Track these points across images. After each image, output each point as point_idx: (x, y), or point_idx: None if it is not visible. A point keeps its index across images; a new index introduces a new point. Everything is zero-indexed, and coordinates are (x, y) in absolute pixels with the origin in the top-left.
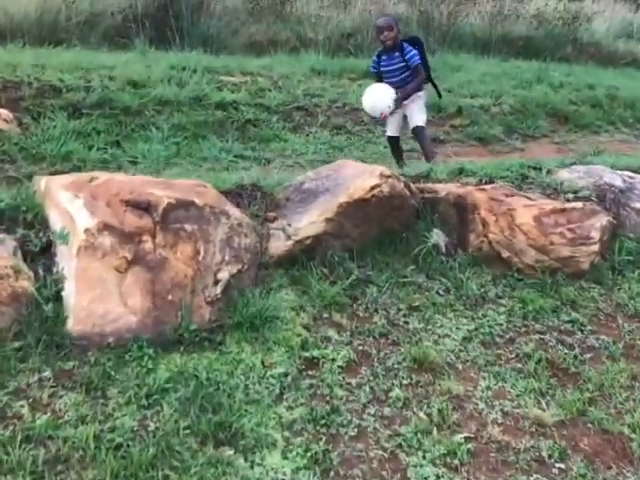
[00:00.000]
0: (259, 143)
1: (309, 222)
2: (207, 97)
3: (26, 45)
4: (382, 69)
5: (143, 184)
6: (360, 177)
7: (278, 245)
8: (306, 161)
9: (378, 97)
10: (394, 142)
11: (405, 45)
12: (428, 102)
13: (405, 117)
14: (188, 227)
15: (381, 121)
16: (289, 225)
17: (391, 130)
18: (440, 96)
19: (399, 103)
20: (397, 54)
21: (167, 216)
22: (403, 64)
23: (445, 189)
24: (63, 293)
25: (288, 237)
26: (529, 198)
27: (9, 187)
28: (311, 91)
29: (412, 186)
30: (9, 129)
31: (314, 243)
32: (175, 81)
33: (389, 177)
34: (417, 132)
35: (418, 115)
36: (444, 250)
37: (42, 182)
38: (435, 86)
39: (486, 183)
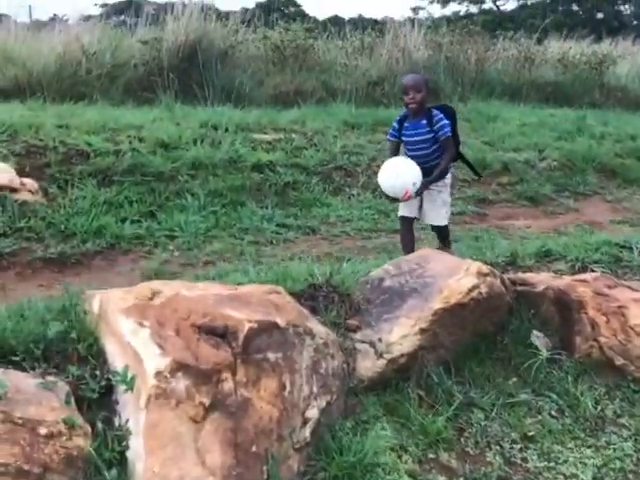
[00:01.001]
0: (300, 209)
1: (401, 335)
2: (242, 158)
3: (46, 101)
4: (404, 138)
5: (216, 303)
6: (453, 275)
7: (367, 365)
8: (354, 230)
9: (401, 172)
10: (408, 225)
11: (435, 112)
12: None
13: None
14: (271, 356)
15: (404, 201)
16: (379, 340)
17: (406, 209)
18: (479, 175)
19: (426, 187)
20: (424, 122)
21: (249, 345)
22: (431, 135)
23: (541, 282)
24: (128, 453)
25: (379, 355)
26: (632, 289)
27: (48, 290)
28: (348, 148)
29: (506, 280)
30: (35, 201)
31: (409, 361)
32: (208, 141)
33: (487, 275)
34: (437, 229)
35: (438, 210)
36: (547, 356)
37: (95, 302)
38: (469, 164)
39: (580, 270)
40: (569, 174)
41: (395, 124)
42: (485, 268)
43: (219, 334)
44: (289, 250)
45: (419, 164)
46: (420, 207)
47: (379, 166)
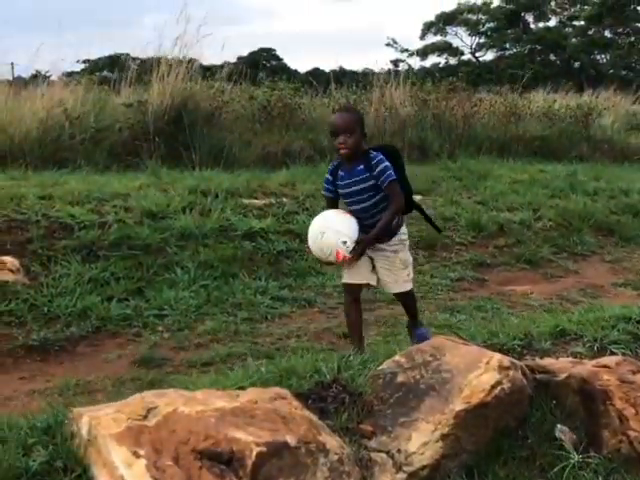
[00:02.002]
0: (295, 279)
1: (422, 443)
2: (233, 227)
3: (28, 168)
4: (340, 191)
5: (217, 421)
6: (472, 370)
7: None
8: None
9: (328, 229)
10: (353, 296)
11: (373, 154)
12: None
13: (372, 263)
14: None
15: (343, 265)
16: (398, 451)
17: (350, 274)
18: (440, 231)
19: (368, 245)
20: (361, 167)
21: (257, 473)
22: (371, 183)
23: (561, 369)
24: None
25: (398, 467)
26: None
27: (30, 382)
28: None
29: (527, 370)
30: (15, 281)
31: (431, 473)
32: (197, 209)
33: (509, 368)
34: (401, 299)
35: (397, 274)
36: (578, 459)
37: (83, 423)
38: (427, 217)
39: (598, 351)
40: (566, 234)
41: (328, 175)
42: (506, 361)
43: (224, 461)
44: (286, 327)
45: (362, 220)
46: (372, 271)
47: None
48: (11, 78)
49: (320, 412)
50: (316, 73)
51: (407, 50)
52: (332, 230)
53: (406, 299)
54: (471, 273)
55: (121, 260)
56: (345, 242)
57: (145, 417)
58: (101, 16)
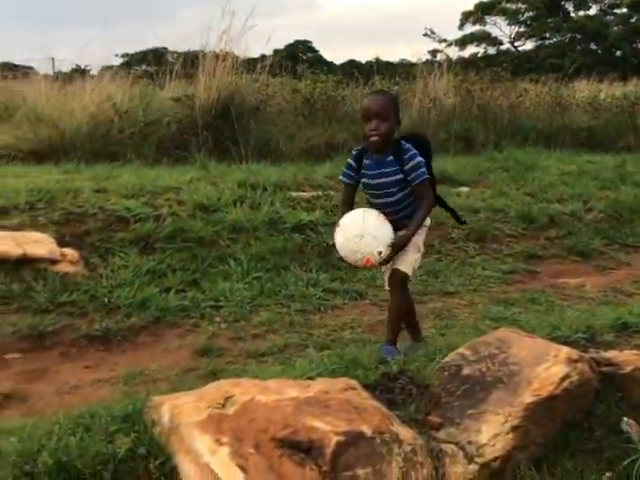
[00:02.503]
0: (345, 272)
1: (492, 435)
2: (283, 219)
3: (80, 162)
4: (364, 180)
5: (295, 410)
6: (541, 363)
7: (458, 471)
8: None
9: (368, 234)
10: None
11: (405, 146)
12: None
13: None
14: (361, 472)
15: (362, 268)
16: (469, 443)
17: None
18: (462, 222)
19: (396, 252)
20: (391, 159)
21: (337, 461)
22: (400, 177)
23: (626, 361)
24: None
25: (470, 459)
26: None
27: (95, 372)
28: None
29: (593, 363)
30: (76, 272)
31: (502, 464)
32: (247, 203)
33: (577, 361)
34: (395, 276)
35: (406, 254)
36: None
37: (164, 412)
38: (451, 210)
39: None
40: (616, 226)
41: (351, 161)
42: (575, 354)
43: (303, 449)
44: (339, 318)
45: (388, 216)
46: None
47: None
48: (52, 73)
49: (388, 403)
50: (352, 65)
51: (445, 40)
52: (371, 236)
53: (398, 281)
54: (523, 265)
55: (176, 252)
56: (380, 252)
57: (223, 405)
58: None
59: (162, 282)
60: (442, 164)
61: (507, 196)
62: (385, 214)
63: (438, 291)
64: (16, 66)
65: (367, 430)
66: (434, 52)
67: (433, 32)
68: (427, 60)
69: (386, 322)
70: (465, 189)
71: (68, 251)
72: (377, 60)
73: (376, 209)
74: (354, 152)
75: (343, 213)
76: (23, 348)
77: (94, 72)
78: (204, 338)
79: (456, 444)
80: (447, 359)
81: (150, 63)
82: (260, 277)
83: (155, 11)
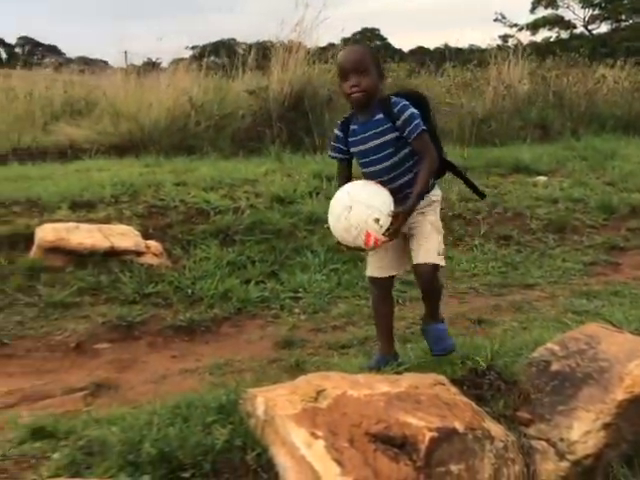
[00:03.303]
0: None
1: (583, 432)
2: None
3: (160, 155)
4: (353, 149)
5: (387, 405)
6: (632, 360)
7: (549, 468)
8: (482, 285)
9: (359, 203)
10: (382, 290)
11: (394, 100)
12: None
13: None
14: (454, 468)
15: (371, 250)
16: (561, 440)
17: (377, 266)
18: (482, 196)
19: (404, 220)
20: (380, 117)
21: (431, 457)
22: (393, 135)
23: None
24: None
25: (561, 456)
26: None
27: (181, 361)
28: (465, 194)
29: None
30: (160, 264)
31: (594, 462)
32: (323, 194)
33: None
34: (423, 275)
35: (426, 239)
36: None
37: (259, 404)
38: (467, 181)
39: None
40: None
41: (337, 131)
42: None
43: (397, 445)
44: (417, 311)
45: (382, 185)
46: (400, 259)
47: (500, 213)
48: (124, 66)
49: (476, 399)
50: (421, 51)
51: (516, 25)
52: (361, 205)
53: (430, 280)
54: (604, 257)
55: (255, 244)
56: (378, 220)
57: (316, 399)
58: (205, 2)
59: (242, 274)
60: (518, 152)
61: (586, 185)
62: (382, 184)
63: (518, 283)
64: (91, 60)
65: (459, 426)
66: (505, 37)
67: (504, 17)
68: (498, 45)
69: (427, 304)
70: (543, 178)
71: (152, 243)
72: (446, 47)
73: (371, 180)
74: (339, 122)
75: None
76: (112, 338)
77: (164, 65)
78: (285, 329)
79: (547, 441)
80: (535, 354)
81: (220, 55)
82: (337, 269)
83: (221, 2)
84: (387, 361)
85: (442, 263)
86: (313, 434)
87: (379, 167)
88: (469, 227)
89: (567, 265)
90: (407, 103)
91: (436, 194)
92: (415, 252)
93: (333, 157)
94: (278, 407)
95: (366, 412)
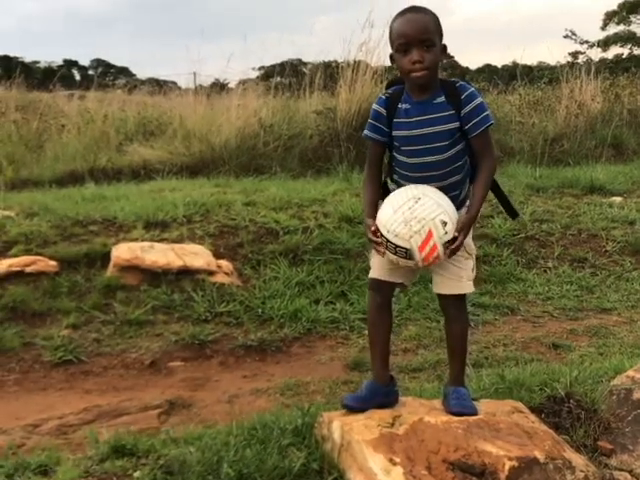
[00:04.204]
0: (495, 286)
1: None
2: None
3: (230, 175)
4: (399, 133)
5: (465, 432)
6: None
7: None
8: (556, 309)
9: (429, 197)
10: (383, 295)
11: (461, 85)
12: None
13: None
14: None
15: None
16: None
17: (387, 269)
18: (516, 215)
19: (463, 238)
20: (441, 100)
21: None
22: (454, 125)
23: None
24: None
25: None
26: None
27: (252, 381)
28: (538, 215)
29: None
30: (230, 283)
31: None
32: None
33: None
34: (452, 305)
35: (462, 269)
36: None
37: (335, 429)
38: (502, 197)
39: None
40: None
41: (379, 107)
42: None
43: (476, 473)
44: (490, 335)
45: (428, 183)
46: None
47: (574, 235)
48: (193, 87)
49: (555, 427)
50: (488, 69)
51: (587, 42)
52: (432, 199)
53: (460, 315)
54: None
55: (324, 264)
56: (445, 223)
57: (392, 425)
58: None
59: (311, 294)
60: (592, 172)
61: None
62: (429, 179)
63: (594, 308)
64: (161, 81)
65: (540, 455)
66: (575, 54)
67: (574, 33)
68: (568, 62)
69: (449, 355)
70: (618, 199)
71: (223, 262)
72: (515, 64)
73: (412, 176)
74: (382, 97)
75: (371, 177)
76: (185, 356)
77: (232, 85)
78: (355, 351)
79: (629, 472)
80: (616, 382)
81: (286, 75)
82: (408, 290)
83: (287, 22)
84: (377, 393)
85: (472, 288)
86: (391, 460)
87: (430, 159)
88: (543, 249)
89: None
90: (475, 89)
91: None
92: (443, 278)
93: (369, 137)
94: (354, 432)
95: (444, 439)
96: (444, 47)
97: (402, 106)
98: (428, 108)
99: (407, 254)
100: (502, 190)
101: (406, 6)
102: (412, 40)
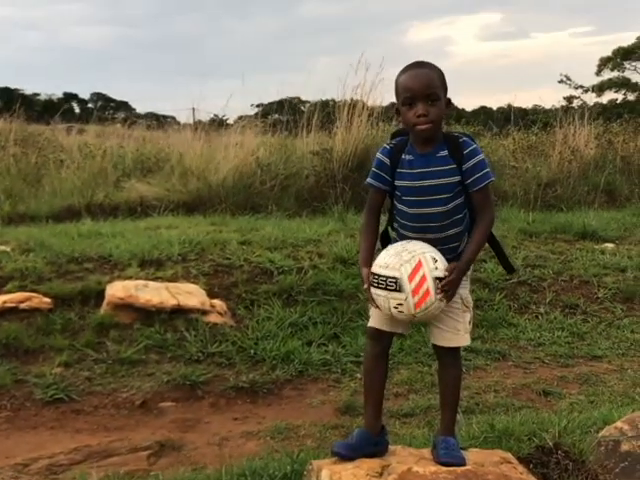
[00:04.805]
0: (487, 330)
1: None
2: None
3: (226, 213)
4: (401, 183)
5: None
6: None
7: None
8: (547, 356)
9: (418, 242)
10: (380, 344)
11: (463, 140)
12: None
13: None
14: None
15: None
16: None
17: (385, 319)
18: (511, 270)
19: (456, 281)
20: (444, 153)
21: None
22: (455, 179)
23: None
24: None
25: None
26: None
27: (243, 423)
28: (530, 260)
29: None
30: (223, 323)
31: None
32: None
33: None
34: (448, 357)
35: (455, 320)
36: None
37: (324, 477)
38: (499, 251)
39: None
40: None
41: (383, 157)
42: None
43: None
44: (481, 380)
45: (426, 234)
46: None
47: (566, 281)
48: (192, 122)
49: (543, 478)
50: (483, 111)
51: (582, 86)
52: (421, 243)
53: (454, 363)
54: None
55: (317, 305)
56: (435, 260)
57: (381, 474)
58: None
59: (304, 335)
60: (585, 218)
61: None
62: (429, 229)
63: (585, 355)
64: (163, 117)
65: None
66: (570, 98)
67: (569, 78)
68: (562, 107)
69: (441, 404)
70: (610, 245)
71: (217, 302)
72: (510, 107)
73: (412, 226)
74: (387, 147)
75: (369, 225)
76: (176, 397)
77: (230, 121)
78: (346, 394)
79: None
80: (604, 433)
81: (283, 112)
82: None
83: (286, 63)
84: (367, 443)
85: (469, 340)
86: None
87: (431, 210)
88: (534, 294)
89: (636, 337)
90: (477, 146)
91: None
92: (440, 330)
93: (372, 185)
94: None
95: None
96: (448, 101)
97: (406, 157)
98: (431, 161)
99: (397, 285)
100: (500, 244)
101: (412, 61)
102: (417, 94)
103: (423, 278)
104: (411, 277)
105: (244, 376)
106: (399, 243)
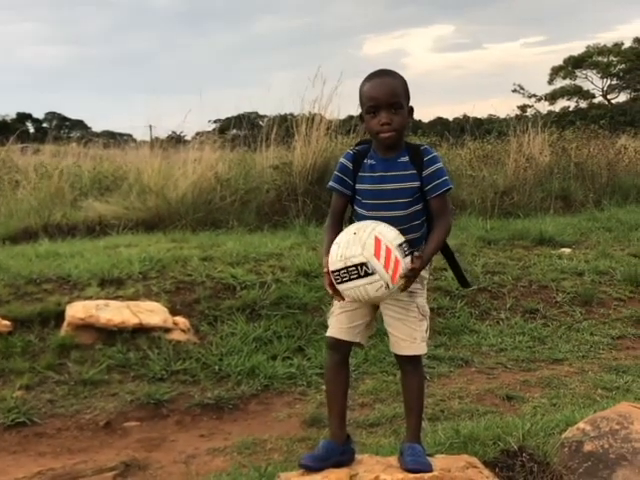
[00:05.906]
0: (449, 338)
1: None
2: None
3: (186, 230)
4: (362, 187)
5: None
6: None
7: None
8: (510, 361)
9: (378, 223)
10: (340, 353)
11: (425, 148)
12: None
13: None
14: None
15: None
16: None
17: (345, 328)
18: (467, 285)
19: (421, 266)
20: (405, 159)
21: None
22: (415, 184)
23: None
24: None
25: None
26: None
27: (209, 440)
28: (489, 267)
29: None
30: (187, 340)
31: None
32: None
33: None
34: (408, 366)
35: (412, 328)
36: None
37: None
38: (455, 265)
39: None
40: None
41: (346, 161)
42: None
43: None
44: (445, 387)
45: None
46: (370, 324)
47: (525, 286)
48: (149, 139)
49: None
50: (440, 122)
51: (535, 95)
52: (363, 222)
53: (416, 370)
54: (633, 330)
55: (281, 319)
56: (401, 244)
57: None
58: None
59: (269, 349)
60: (541, 224)
61: (612, 257)
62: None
63: (546, 358)
64: (118, 134)
65: None
66: (523, 107)
67: (522, 87)
68: (517, 115)
69: (406, 411)
70: (567, 250)
71: (179, 319)
72: (466, 118)
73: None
74: (351, 152)
75: (332, 226)
76: (141, 416)
77: (188, 137)
78: (312, 407)
79: None
80: (567, 434)
81: (242, 127)
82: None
83: (243, 77)
84: (334, 453)
85: (426, 348)
86: None
87: (389, 214)
88: (495, 300)
89: (595, 339)
90: (437, 154)
91: (426, 269)
92: (403, 342)
93: (334, 189)
94: None
95: None
96: (411, 109)
97: (368, 161)
98: (392, 165)
99: (369, 269)
100: (455, 258)
101: (376, 69)
102: (381, 103)
103: (388, 251)
104: (377, 254)
105: (209, 392)
106: (342, 234)
